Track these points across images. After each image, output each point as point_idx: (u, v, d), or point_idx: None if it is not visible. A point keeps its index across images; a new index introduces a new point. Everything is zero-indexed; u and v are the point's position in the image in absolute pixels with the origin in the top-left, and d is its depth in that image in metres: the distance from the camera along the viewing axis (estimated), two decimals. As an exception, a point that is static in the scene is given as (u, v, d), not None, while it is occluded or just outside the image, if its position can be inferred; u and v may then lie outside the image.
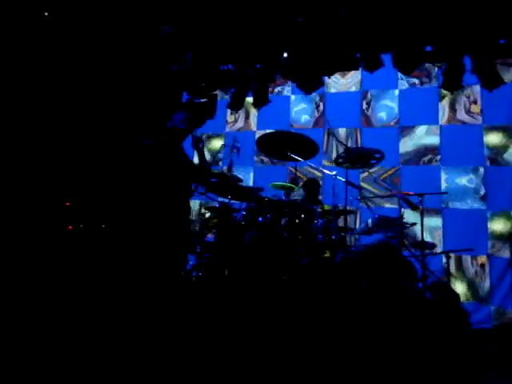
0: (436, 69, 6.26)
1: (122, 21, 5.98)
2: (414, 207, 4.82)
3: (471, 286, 5.99)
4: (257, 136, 5.60)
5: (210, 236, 5.45)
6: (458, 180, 6.24)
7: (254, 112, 7.32)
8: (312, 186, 5.30)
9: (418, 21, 5.55)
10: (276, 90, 7.38)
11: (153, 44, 6.17)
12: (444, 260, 5.79)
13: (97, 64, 6.13)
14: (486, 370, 3.56)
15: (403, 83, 6.81)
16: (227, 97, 6.85)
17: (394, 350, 3.41)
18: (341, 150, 4.85)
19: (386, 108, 6.79)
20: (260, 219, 4.73)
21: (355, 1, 5.58)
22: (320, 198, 5.70)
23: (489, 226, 5.99)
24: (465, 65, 5.76)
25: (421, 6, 5.44)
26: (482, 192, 6.06)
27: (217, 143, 7.34)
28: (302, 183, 5.44)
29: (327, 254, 4.63)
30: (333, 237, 4.62)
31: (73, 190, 6.09)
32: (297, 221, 4.68)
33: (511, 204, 5.95)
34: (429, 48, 5.78)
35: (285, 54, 6.08)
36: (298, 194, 5.49)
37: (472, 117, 6.37)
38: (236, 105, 6.45)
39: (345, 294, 4.08)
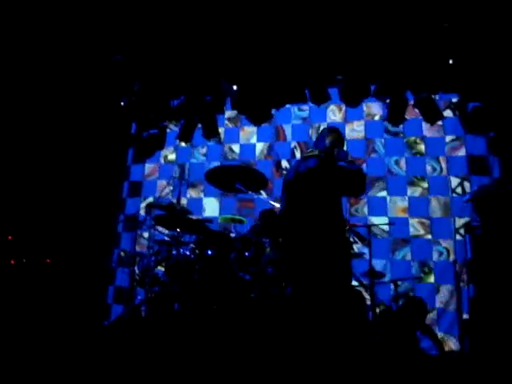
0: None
1: (72, 49, 5.90)
2: (361, 239, 4.91)
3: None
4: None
5: (159, 270, 5.34)
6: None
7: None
8: (268, 216, 5.30)
9: (362, 57, 5.77)
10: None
11: (102, 73, 6.12)
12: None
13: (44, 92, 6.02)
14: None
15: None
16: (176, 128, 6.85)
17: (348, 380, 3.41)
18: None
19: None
20: (209, 252, 4.68)
21: (303, 37, 5.74)
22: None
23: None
24: (407, 100, 6.02)
25: (365, 44, 5.66)
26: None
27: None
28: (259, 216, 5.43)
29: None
30: (283, 268, 4.61)
31: (15, 223, 5.90)
32: (246, 254, 4.66)
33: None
34: (374, 84, 6.00)
35: (234, 87, 6.15)
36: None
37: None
38: (186, 136, 6.45)
39: (296, 326, 4.07)
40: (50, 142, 6.14)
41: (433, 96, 5.89)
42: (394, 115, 5.97)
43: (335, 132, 4.07)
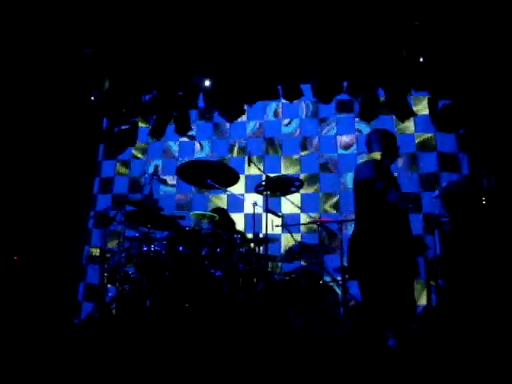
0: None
1: (43, 41, 5.77)
2: (331, 234, 4.93)
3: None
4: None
5: (130, 267, 5.27)
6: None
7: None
8: (221, 215, 5.29)
9: (335, 54, 5.80)
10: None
11: (72, 66, 6.01)
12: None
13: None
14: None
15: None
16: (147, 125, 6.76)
17: (316, 374, 3.42)
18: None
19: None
20: (180, 249, 4.64)
21: (277, 34, 5.74)
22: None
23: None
24: (379, 97, 6.08)
25: (337, 41, 5.70)
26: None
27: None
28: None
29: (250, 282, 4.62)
30: (253, 266, 4.61)
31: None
32: (218, 250, 4.64)
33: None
34: (346, 81, 6.04)
35: (207, 83, 6.11)
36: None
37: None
38: (158, 132, 6.38)
39: (267, 322, 4.07)
40: (16, 135, 6.00)
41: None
42: (366, 112, 6.02)
43: None
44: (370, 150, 4.15)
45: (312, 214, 5.88)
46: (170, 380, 3.26)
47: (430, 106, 6.03)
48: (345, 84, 6.04)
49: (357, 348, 4.17)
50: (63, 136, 6.23)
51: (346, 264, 5.27)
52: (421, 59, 5.62)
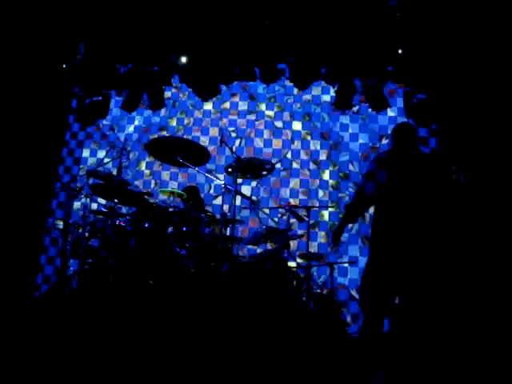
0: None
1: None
2: (300, 219, 4.94)
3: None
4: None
5: (94, 240, 5.18)
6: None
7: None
8: (192, 193, 5.24)
9: (313, 40, 5.76)
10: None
11: (43, 33, 5.80)
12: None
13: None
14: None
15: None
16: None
17: (276, 358, 3.44)
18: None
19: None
20: (146, 225, 4.58)
21: (256, 14, 5.66)
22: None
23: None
24: (356, 86, 6.08)
25: (317, 27, 5.66)
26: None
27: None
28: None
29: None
30: (219, 246, 4.58)
31: None
32: (184, 229, 4.59)
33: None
34: (324, 67, 6.01)
35: (183, 59, 6.00)
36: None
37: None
38: (130, 106, 6.25)
39: (230, 303, 4.07)
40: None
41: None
42: (341, 101, 6.02)
43: None
44: None
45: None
46: (130, 359, 3.24)
47: (406, 98, 6.06)
48: (323, 71, 6.01)
49: (319, 333, 4.21)
50: (32, 104, 6.04)
51: (311, 250, 5.32)
52: (399, 51, 5.63)
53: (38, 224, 6.33)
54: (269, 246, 5.47)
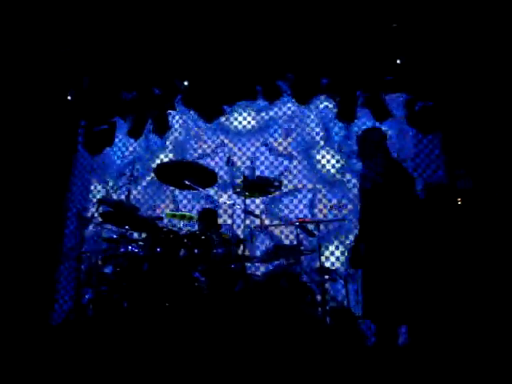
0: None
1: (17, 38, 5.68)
2: (310, 234, 4.94)
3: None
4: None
5: (106, 267, 5.22)
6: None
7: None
8: (208, 216, 5.27)
9: (313, 54, 5.82)
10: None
11: (49, 65, 5.92)
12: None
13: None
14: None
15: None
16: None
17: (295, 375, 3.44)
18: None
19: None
20: (158, 250, 4.60)
21: (254, 33, 5.74)
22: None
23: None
24: (358, 98, 6.11)
25: (315, 41, 5.72)
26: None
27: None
28: (198, 216, 5.38)
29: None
30: (232, 266, 4.60)
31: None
32: (196, 251, 4.61)
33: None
34: (325, 80, 6.05)
35: (186, 83, 6.09)
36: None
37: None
38: (136, 132, 6.33)
39: (245, 322, 4.07)
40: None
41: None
42: (344, 113, 6.04)
43: None
44: None
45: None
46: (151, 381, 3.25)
47: (408, 107, 6.07)
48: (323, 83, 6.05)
49: (337, 347, 4.20)
50: (40, 135, 6.13)
51: (323, 264, 5.30)
52: (398, 61, 5.67)
53: (52, 252, 6.37)
54: (280, 262, 5.47)
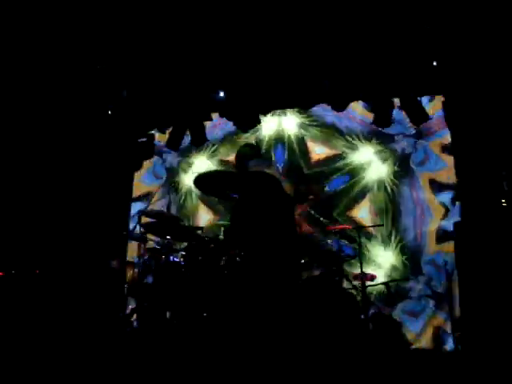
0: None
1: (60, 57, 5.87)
2: (351, 241, 4.92)
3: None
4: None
5: (149, 277, 5.31)
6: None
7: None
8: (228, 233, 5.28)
9: (348, 60, 5.79)
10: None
11: (89, 81, 6.08)
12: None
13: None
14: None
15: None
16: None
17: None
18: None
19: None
20: (200, 259, 4.66)
21: (290, 42, 5.75)
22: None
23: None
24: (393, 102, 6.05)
25: (350, 47, 5.69)
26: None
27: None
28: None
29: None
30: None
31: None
32: (237, 259, 4.63)
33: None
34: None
35: (221, 94, 6.16)
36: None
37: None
38: (174, 144, 6.43)
39: (287, 331, 4.07)
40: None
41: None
42: (380, 118, 5.98)
43: None
44: None
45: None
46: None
47: (446, 108, 5.97)
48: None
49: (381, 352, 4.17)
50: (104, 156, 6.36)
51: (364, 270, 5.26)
52: (434, 63, 5.60)
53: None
54: (322, 269, 5.45)
